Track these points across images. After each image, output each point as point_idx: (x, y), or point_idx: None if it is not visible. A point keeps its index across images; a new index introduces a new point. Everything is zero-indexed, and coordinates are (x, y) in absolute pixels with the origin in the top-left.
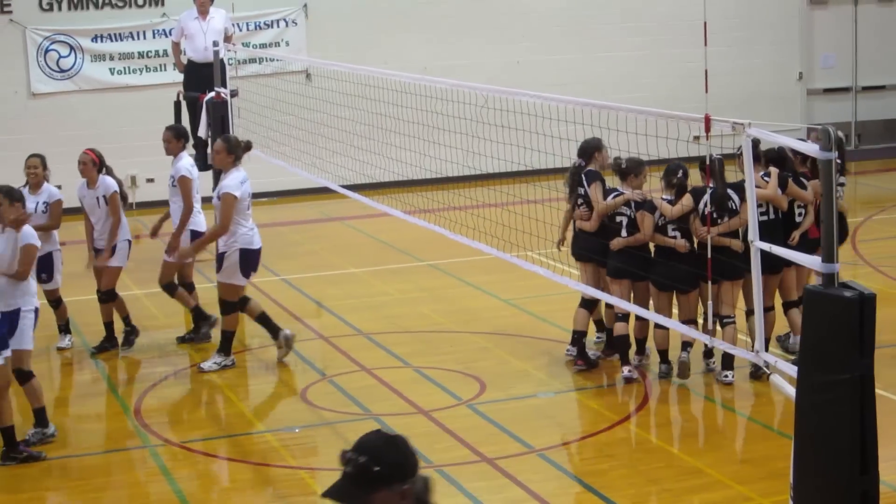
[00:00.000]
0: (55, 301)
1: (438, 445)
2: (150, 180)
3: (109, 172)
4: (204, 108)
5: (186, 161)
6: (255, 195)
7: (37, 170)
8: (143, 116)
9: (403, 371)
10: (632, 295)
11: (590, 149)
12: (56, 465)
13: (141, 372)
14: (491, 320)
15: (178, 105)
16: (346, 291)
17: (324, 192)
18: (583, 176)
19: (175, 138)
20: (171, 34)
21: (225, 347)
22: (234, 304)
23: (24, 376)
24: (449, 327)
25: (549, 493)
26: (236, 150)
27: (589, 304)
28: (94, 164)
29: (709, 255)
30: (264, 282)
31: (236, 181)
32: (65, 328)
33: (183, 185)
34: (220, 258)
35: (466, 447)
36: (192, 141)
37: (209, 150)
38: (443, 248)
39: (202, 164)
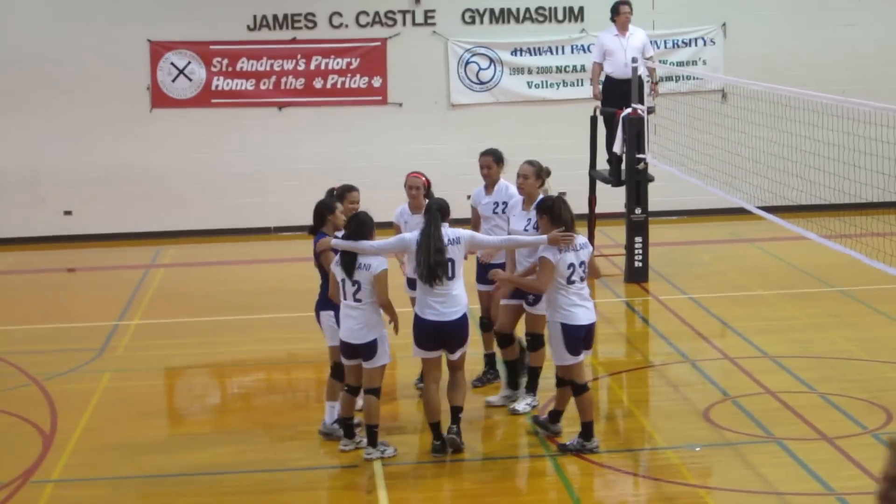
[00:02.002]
0: None
1: (841, 473)
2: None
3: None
4: (620, 123)
5: None
6: (669, 213)
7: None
8: (559, 130)
9: (808, 396)
10: None
11: None
12: (451, 467)
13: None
14: None
15: (594, 120)
16: (753, 313)
17: (734, 212)
18: None
19: (496, 163)
20: (589, 50)
21: (533, 386)
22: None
23: (578, 389)
24: (857, 355)
25: None
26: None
27: None
28: (425, 189)
29: None
30: (671, 300)
31: None
32: None
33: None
34: None
35: (869, 477)
36: (606, 156)
37: (621, 167)
38: (854, 275)
39: (616, 179)
